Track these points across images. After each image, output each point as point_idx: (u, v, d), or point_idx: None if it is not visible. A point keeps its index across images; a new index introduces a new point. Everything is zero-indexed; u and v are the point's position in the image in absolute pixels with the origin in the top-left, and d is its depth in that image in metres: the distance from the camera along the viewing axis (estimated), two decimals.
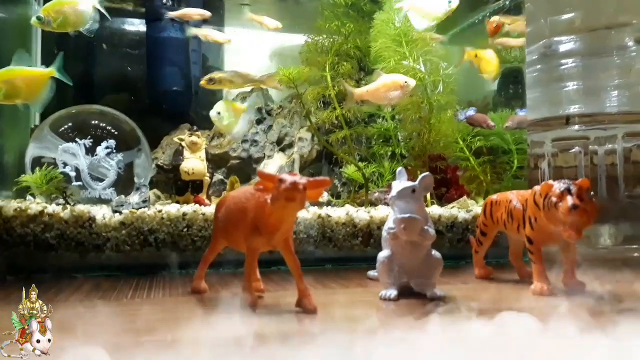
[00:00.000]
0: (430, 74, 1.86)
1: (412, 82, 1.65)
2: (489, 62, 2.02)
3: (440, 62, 1.90)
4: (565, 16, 2.34)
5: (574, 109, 2.38)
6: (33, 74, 1.43)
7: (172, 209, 1.46)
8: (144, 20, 2.08)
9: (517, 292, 1.22)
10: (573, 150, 2.35)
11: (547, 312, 1.00)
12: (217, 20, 2.30)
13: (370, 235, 1.57)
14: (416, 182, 1.11)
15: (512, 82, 2.47)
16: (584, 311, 1.00)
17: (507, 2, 2.18)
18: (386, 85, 1.67)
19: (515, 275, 1.38)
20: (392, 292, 1.10)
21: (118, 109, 1.70)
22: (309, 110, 1.88)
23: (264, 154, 2.00)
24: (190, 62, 2.10)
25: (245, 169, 1.97)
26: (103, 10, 1.50)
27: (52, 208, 1.39)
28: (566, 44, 2.40)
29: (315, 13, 1.99)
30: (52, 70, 1.45)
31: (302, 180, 0.88)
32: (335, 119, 1.87)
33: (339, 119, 1.87)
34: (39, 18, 1.43)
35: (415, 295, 1.12)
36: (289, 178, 0.88)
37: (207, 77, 1.62)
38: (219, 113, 1.62)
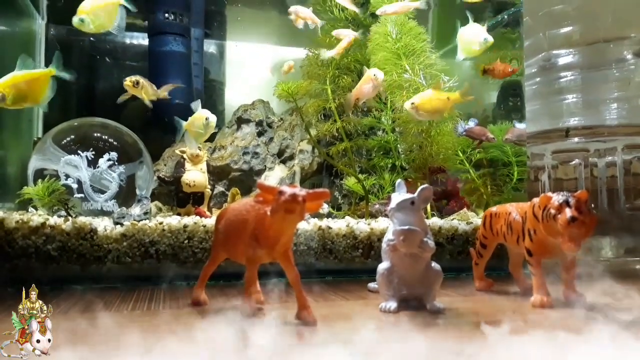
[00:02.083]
0: (430, 87, 1.87)
1: (380, 75, 1.66)
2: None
3: (442, 75, 1.91)
4: (564, 30, 2.36)
5: (573, 121, 2.39)
6: (35, 75, 1.46)
7: (173, 221, 1.47)
8: (146, 34, 2.11)
9: (516, 304, 1.22)
10: (573, 162, 2.36)
11: (543, 324, 1.00)
12: (218, 34, 2.33)
13: (370, 247, 1.58)
14: (415, 194, 1.11)
15: (511, 95, 2.48)
16: (579, 323, 1.00)
17: (506, 17, 2.20)
18: (363, 79, 1.69)
19: (515, 288, 1.38)
20: (392, 305, 1.10)
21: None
22: (309, 123, 1.90)
23: (265, 166, 2.01)
24: (192, 76, 2.12)
25: (246, 181, 1.98)
26: (129, 6, 1.53)
27: (54, 220, 1.39)
28: (565, 57, 2.42)
29: (316, 27, 2.01)
30: (52, 70, 1.49)
31: (301, 192, 0.89)
32: (336, 131, 1.88)
33: (339, 132, 1.88)
34: (81, 20, 1.48)
35: (415, 308, 1.12)
36: (288, 190, 0.89)
37: (134, 79, 1.58)
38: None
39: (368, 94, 1.67)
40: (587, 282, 1.26)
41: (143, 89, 1.54)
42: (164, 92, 1.65)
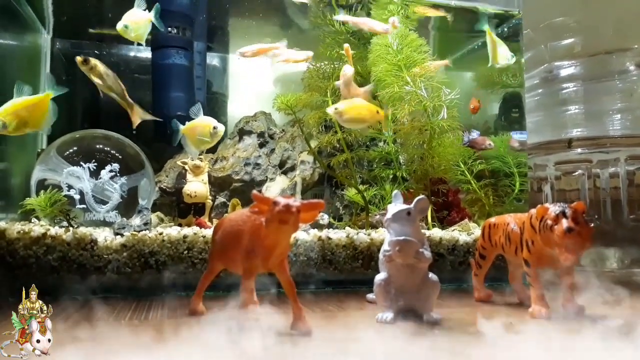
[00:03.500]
0: (432, 100, 1.88)
1: (349, 71, 1.66)
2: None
3: (443, 88, 1.92)
4: (566, 41, 2.37)
5: (576, 132, 2.40)
6: (35, 101, 1.49)
7: (173, 231, 1.48)
8: (149, 47, 2.14)
9: (515, 315, 1.22)
10: (576, 173, 2.36)
11: (540, 335, 1.00)
12: (221, 48, 2.36)
13: (371, 257, 1.58)
14: (411, 205, 1.12)
15: (512, 106, 2.49)
16: (574, 335, 1.00)
17: (506, 29, 2.21)
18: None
19: (515, 298, 1.37)
20: (389, 315, 1.10)
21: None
22: (309, 135, 1.91)
23: (267, 177, 2.02)
24: (194, 88, 2.14)
25: (247, 191, 1.98)
26: (157, 24, 1.61)
27: (54, 230, 1.41)
28: (567, 68, 2.43)
29: (318, 40, 2.03)
30: (49, 93, 1.51)
31: (295, 203, 0.89)
32: (337, 142, 1.89)
33: (340, 143, 1.89)
34: (125, 26, 1.55)
35: (412, 318, 1.12)
36: (282, 201, 0.89)
37: (83, 57, 1.55)
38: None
39: (342, 90, 1.67)
40: (589, 293, 1.25)
41: (93, 71, 1.53)
42: (122, 97, 1.63)
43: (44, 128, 1.51)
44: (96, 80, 1.54)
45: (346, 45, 1.76)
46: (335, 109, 1.62)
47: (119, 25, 1.55)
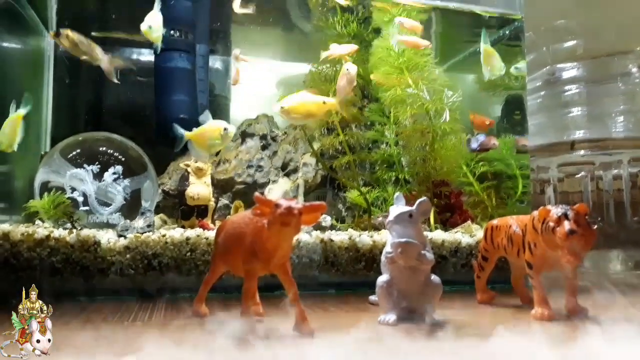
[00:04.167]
0: (434, 102, 1.88)
1: (352, 69, 1.66)
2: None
3: (445, 90, 1.92)
4: (568, 44, 2.37)
5: (579, 134, 2.39)
6: (9, 121, 1.57)
7: (176, 233, 1.48)
8: (152, 51, 2.15)
9: (517, 317, 1.22)
10: (579, 175, 2.35)
11: (542, 337, 1.00)
12: (223, 50, 2.37)
13: (373, 260, 1.58)
14: (414, 207, 1.12)
15: (515, 109, 2.49)
16: (577, 336, 0.99)
17: (507, 32, 2.22)
18: (340, 76, 1.69)
19: (517, 301, 1.37)
20: (391, 317, 1.10)
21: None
22: (311, 137, 1.91)
23: (269, 179, 2.03)
24: (197, 91, 2.15)
25: (250, 194, 1.99)
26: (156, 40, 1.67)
27: (58, 232, 1.41)
28: (569, 70, 2.43)
29: (320, 43, 2.03)
30: (20, 114, 1.59)
31: (297, 205, 0.90)
32: (339, 144, 1.90)
33: (342, 145, 1.89)
34: (150, 27, 1.60)
35: (414, 320, 1.12)
36: (284, 203, 0.90)
37: (54, 31, 1.57)
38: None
39: (344, 88, 1.67)
40: (592, 295, 1.25)
41: (67, 41, 1.53)
42: (108, 61, 1.64)
43: (14, 147, 1.60)
44: (70, 48, 1.55)
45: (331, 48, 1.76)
46: (281, 107, 1.61)
47: (143, 26, 1.58)
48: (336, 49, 1.77)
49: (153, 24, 1.59)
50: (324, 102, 1.63)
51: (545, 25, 2.31)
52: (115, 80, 1.66)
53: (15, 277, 1.36)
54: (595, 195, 2.28)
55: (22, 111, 1.58)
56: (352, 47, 1.77)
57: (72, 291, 1.38)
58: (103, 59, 1.62)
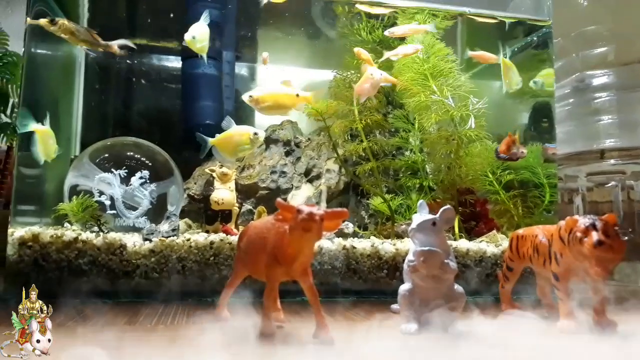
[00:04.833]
0: (459, 109, 1.86)
1: (377, 75, 1.65)
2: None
3: (470, 97, 1.90)
4: (598, 50, 2.33)
5: (609, 142, 2.34)
6: (42, 135, 1.61)
7: (200, 238, 1.50)
8: (179, 57, 2.19)
9: (542, 329, 1.19)
10: (609, 185, 2.30)
11: (567, 350, 0.97)
12: (249, 58, 2.39)
13: (396, 268, 1.57)
14: (437, 215, 1.11)
15: (542, 116, 2.44)
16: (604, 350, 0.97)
17: (535, 38, 2.18)
18: (362, 78, 1.69)
19: (543, 312, 1.34)
20: (413, 326, 1.09)
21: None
22: (335, 143, 1.91)
23: (292, 185, 2.03)
24: (223, 97, 2.17)
25: (273, 199, 1.99)
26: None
27: (85, 235, 1.45)
28: (600, 77, 2.38)
29: (344, 50, 2.04)
30: (47, 129, 1.63)
31: (319, 211, 0.90)
32: (363, 151, 1.89)
33: (366, 152, 1.89)
34: (193, 37, 1.61)
35: (436, 330, 1.11)
36: (306, 209, 0.90)
37: (49, 19, 1.55)
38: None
39: (367, 93, 1.67)
40: (621, 308, 1.22)
41: (62, 30, 1.54)
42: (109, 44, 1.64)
43: (53, 156, 1.66)
44: (67, 37, 1.57)
45: (357, 49, 1.76)
46: (250, 96, 1.62)
47: (187, 36, 1.60)
48: (400, 49, 1.78)
49: (197, 34, 1.61)
50: (298, 95, 1.65)
51: (574, 32, 2.28)
52: (123, 53, 1.68)
53: (44, 278, 1.39)
54: (626, 205, 2.23)
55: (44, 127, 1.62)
56: (417, 47, 1.77)
57: (100, 293, 1.40)
58: (107, 43, 1.65)
